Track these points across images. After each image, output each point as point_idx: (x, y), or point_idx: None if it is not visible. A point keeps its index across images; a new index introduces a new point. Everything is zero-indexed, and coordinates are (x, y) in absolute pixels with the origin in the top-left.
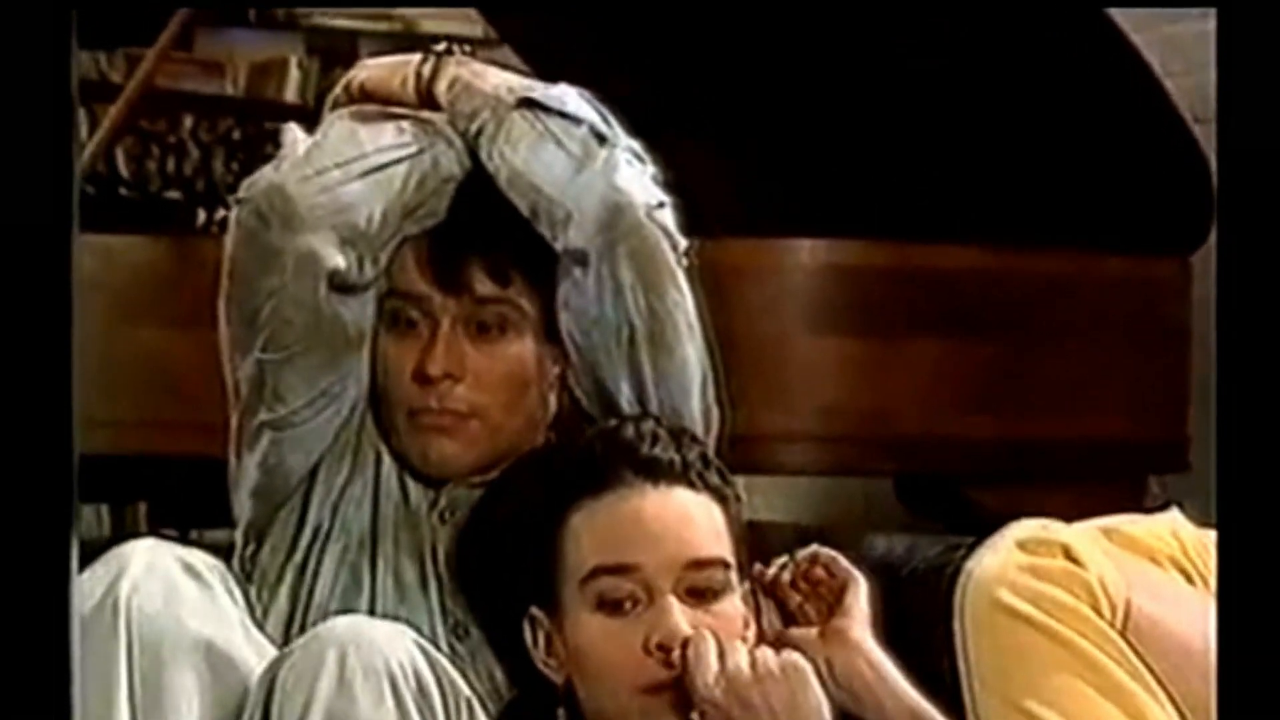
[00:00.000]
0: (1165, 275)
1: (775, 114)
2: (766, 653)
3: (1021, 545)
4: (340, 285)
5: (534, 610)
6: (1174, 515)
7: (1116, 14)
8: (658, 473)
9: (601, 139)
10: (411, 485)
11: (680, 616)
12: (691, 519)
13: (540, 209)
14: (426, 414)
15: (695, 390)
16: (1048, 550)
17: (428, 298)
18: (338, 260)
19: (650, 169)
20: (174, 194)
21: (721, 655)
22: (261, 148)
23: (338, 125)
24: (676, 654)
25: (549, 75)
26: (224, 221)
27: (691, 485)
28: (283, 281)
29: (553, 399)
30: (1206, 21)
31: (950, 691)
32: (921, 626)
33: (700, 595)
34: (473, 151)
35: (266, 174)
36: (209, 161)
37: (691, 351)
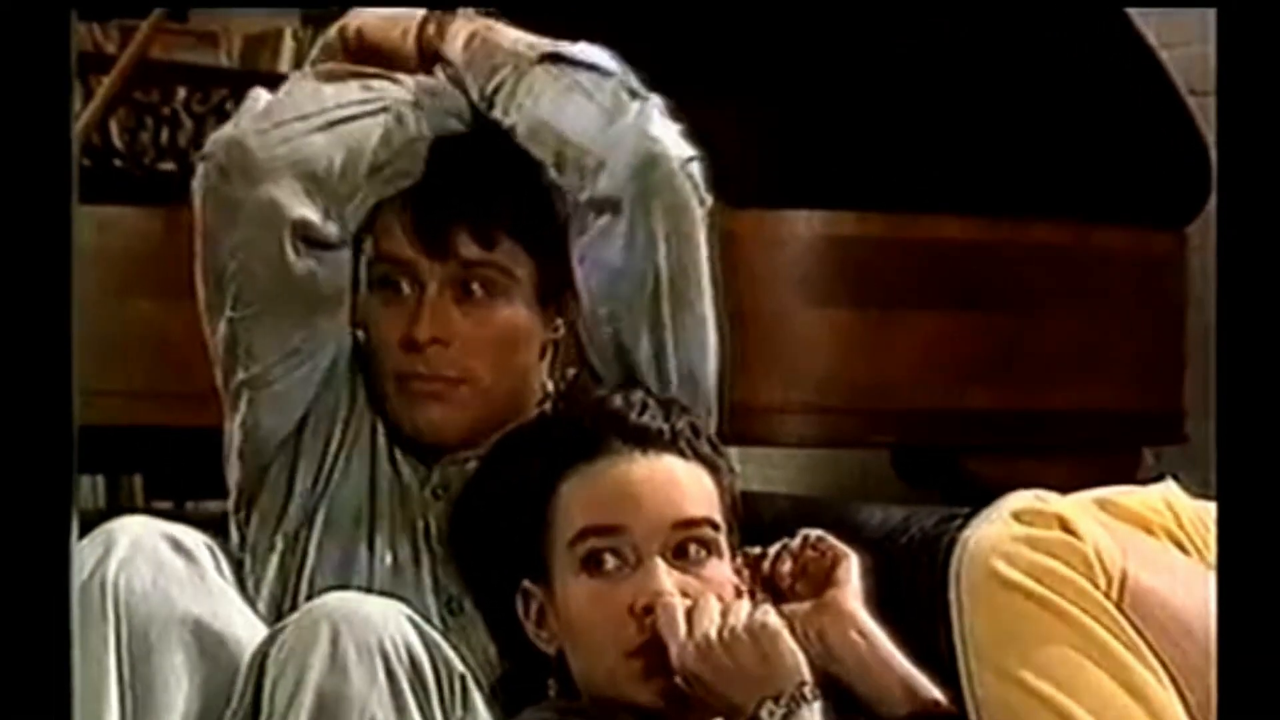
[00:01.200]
0: (1161, 247)
1: (773, 86)
2: (738, 615)
3: (1017, 516)
4: (309, 239)
5: (526, 583)
6: (1168, 486)
7: None
8: (646, 440)
9: (633, 93)
10: (404, 461)
11: (666, 578)
12: (679, 483)
13: (568, 157)
14: (415, 380)
15: (712, 352)
16: (1043, 521)
17: (413, 261)
18: (301, 211)
19: (680, 125)
20: (168, 165)
21: (690, 619)
22: None
23: (301, 83)
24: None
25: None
26: None
27: (681, 453)
28: (246, 235)
29: (545, 365)
30: None
31: (946, 662)
32: (918, 597)
33: (688, 555)
34: (475, 111)
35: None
36: (203, 133)
37: (709, 312)
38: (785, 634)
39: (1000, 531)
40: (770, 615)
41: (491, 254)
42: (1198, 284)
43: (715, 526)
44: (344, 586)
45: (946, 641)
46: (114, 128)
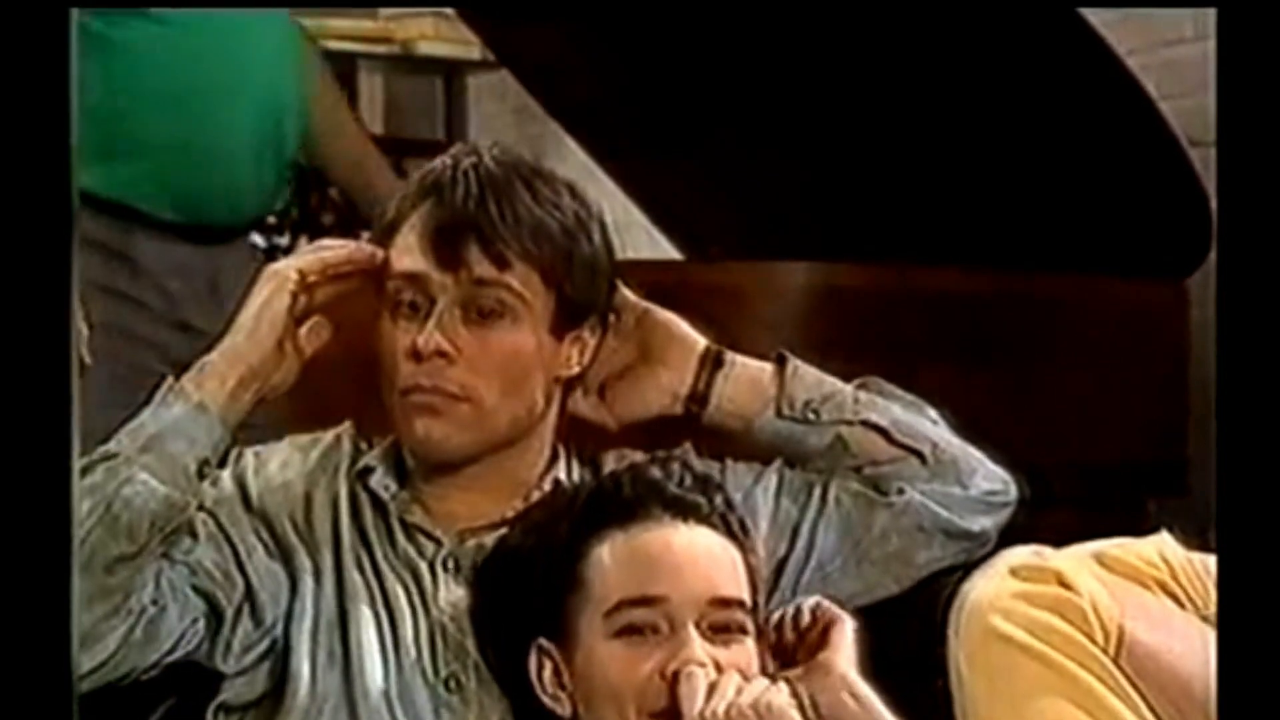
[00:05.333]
0: (1163, 299)
1: (775, 138)
2: (751, 693)
3: (1015, 571)
4: None
5: (542, 641)
6: (1163, 538)
7: (1113, 37)
8: (685, 510)
9: None
10: (413, 538)
11: (700, 650)
12: (716, 558)
13: None
14: (417, 392)
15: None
16: (1041, 576)
17: (424, 275)
18: None
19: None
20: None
21: (709, 692)
22: None
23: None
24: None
25: (549, 97)
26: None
27: (714, 527)
28: None
29: (557, 394)
30: (1203, 45)
31: (945, 716)
32: (917, 650)
33: (720, 633)
34: None
35: None
36: None
37: None
38: (792, 713)
39: (998, 587)
40: (779, 695)
41: (504, 275)
42: (1199, 335)
43: (746, 608)
44: (345, 657)
45: (944, 696)
46: None
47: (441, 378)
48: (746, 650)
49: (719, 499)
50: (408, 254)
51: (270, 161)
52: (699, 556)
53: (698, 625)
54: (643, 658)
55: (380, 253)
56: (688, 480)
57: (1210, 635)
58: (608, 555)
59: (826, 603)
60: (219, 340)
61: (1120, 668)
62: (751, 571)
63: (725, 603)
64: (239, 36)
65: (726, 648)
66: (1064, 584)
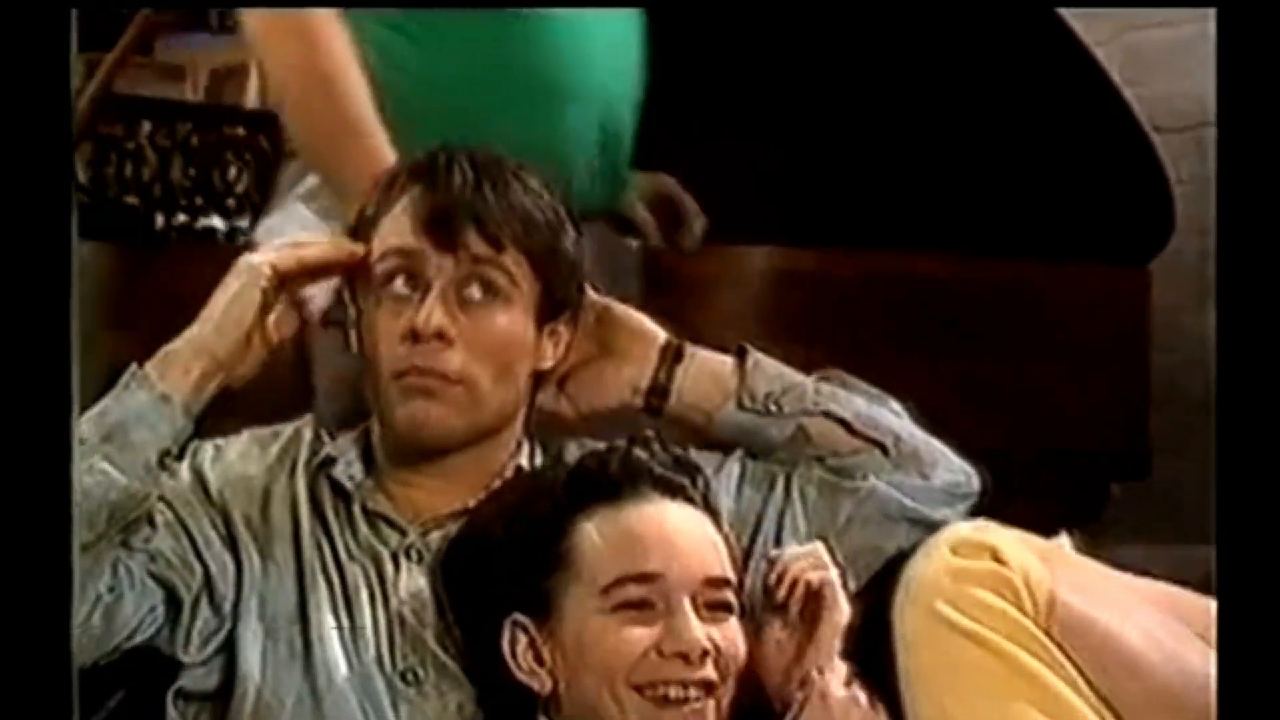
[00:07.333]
0: (1125, 284)
1: (742, 124)
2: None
3: (953, 549)
4: None
5: (518, 617)
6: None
7: (1078, 24)
8: (673, 489)
9: None
10: (375, 528)
11: (697, 626)
12: (707, 537)
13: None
14: (414, 374)
15: None
16: (976, 553)
17: (420, 254)
18: None
19: None
20: (132, 199)
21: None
22: (220, 153)
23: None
24: (696, 660)
25: None
26: (182, 227)
27: (697, 507)
28: None
29: (524, 409)
30: (1167, 30)
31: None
32: (871, 632)
33: (713, 610)
34: None
35: None
36: (167, 167)
37: None
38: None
39: (936, 566)
40: (860, 692)
41: (499, 255)
42: (1161, 320)
43: (734, 587)
44: (306, 650)
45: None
46: (78, 161)
47: (438, 360)
48: (735, 629)
49: (700, 480)
50: (399, 235)
51: (608, 160)
52: (691, 535)
53: (694, 602)
54: (639, 633)
55: (360, 248)
56: (670, 463)
57: (1148, 611)
58: (597, 532)
59: (832, 579)
60: None
61: (1052, 638)
62: (732, 551)
63: (719, 582)
64: (585, 33)
65: (719, 625)
66: (998, 559)
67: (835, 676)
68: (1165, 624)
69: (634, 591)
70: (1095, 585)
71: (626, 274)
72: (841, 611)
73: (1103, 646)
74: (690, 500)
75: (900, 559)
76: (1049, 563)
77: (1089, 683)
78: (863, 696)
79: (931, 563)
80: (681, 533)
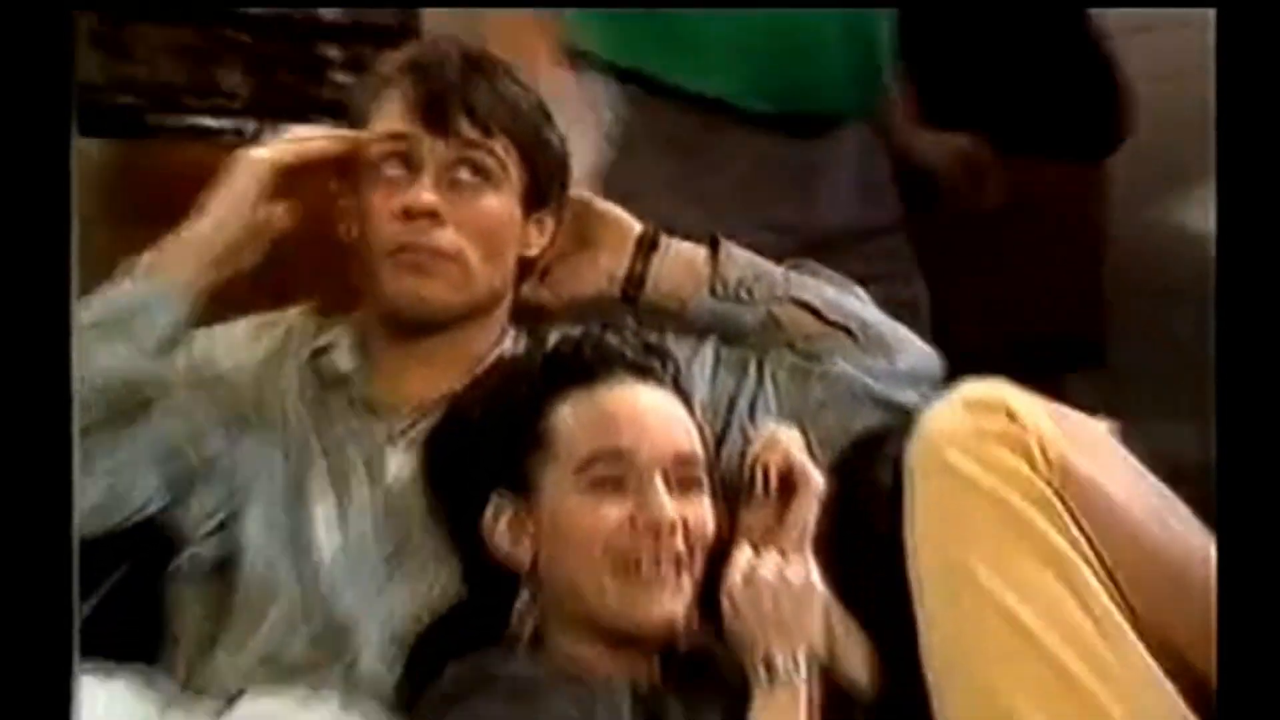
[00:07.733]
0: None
1: None
2: (795, 571)
3: (968, 405)
4: None
5: (500, 494)
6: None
7: None
8: (644, 372)
9: None
10: (362, 414)
11: (667, 501)
12: (677, 417)
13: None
14: (410, 250)
15: None
16: (991, 410)
17: (413, 137)
18: None
19: None
20: (126, 99)
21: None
22: (215, 53)
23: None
24: (666, 534)
25: None
26: (174, 125)
27: (668, 390)
28: None
29: (509, 297)
30: None
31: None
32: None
33: (683, 487)
34: None
35: None
36: (163, 68)
37: None
38: (820, 596)
39: (951, 420)
40: (816, 576)
41: (489, 139)
42: (1120, 215)
43: (702, 465)
44: (300, 531)
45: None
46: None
47: (430, 237)
48: (705, 506)
49: (670, 364)
50: (392, 121)
51: (862, 54)
52: (661, 413)
53: (665, 479)
54: (612, 508)
55: (357, 140)
56: (640, 345)
57: (1152, 488)
58: (571, 412)
59: (803, 464)
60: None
61: (1061, 498)
62: (702, 431)
63: (688, 459)
64: None
65: (688, 501)
66: (1012, 416)
67: (770, 558)
68: (1168, 503)
69: (607, 469)
70: (1104, 454)
71: (880, 187)
72: (811, 494)
73: (1109, 512)
74: (660, 383)
75: (871, 439)
76: (1060, 425)
77: (1093, 547)
78: (798, 582)
79: (945, 416)
80: (652, 412)
